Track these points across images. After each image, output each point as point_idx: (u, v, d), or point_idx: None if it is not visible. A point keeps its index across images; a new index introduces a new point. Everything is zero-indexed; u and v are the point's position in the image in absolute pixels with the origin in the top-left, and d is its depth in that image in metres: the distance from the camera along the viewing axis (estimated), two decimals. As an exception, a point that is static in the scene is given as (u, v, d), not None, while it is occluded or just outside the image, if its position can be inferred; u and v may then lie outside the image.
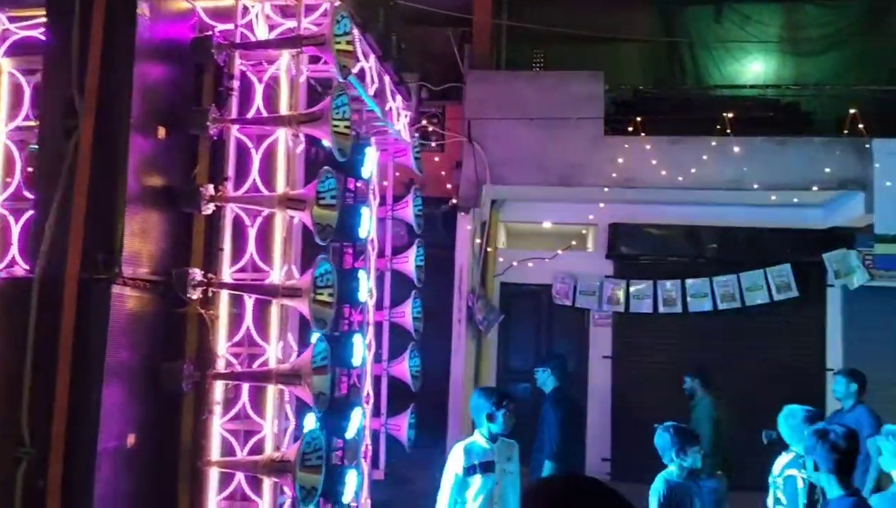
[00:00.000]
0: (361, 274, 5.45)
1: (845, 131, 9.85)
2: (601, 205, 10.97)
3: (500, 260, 11.09)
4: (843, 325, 10.68)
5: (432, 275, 10.60)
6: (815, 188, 9.75)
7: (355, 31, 4.68)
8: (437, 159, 10.64)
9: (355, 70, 4.73)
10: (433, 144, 10.65)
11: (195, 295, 3.98)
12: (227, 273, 4.09)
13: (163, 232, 4.06)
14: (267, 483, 3.93)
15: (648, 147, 10.24)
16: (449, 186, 10.51)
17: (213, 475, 3.99)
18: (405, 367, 6.18)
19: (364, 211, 5.51)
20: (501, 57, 11.64)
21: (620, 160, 10.20)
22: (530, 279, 11.12)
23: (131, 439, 3.71)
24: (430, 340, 10.42)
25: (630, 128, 10.54)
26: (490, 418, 5.17)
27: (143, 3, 3.88)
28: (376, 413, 6.20)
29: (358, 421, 5.39)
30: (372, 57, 5.12)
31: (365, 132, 5.80)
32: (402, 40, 5.74)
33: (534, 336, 11.23)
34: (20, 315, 3.72)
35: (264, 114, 4.23)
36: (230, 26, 4.19)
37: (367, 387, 5.91)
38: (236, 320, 4.14)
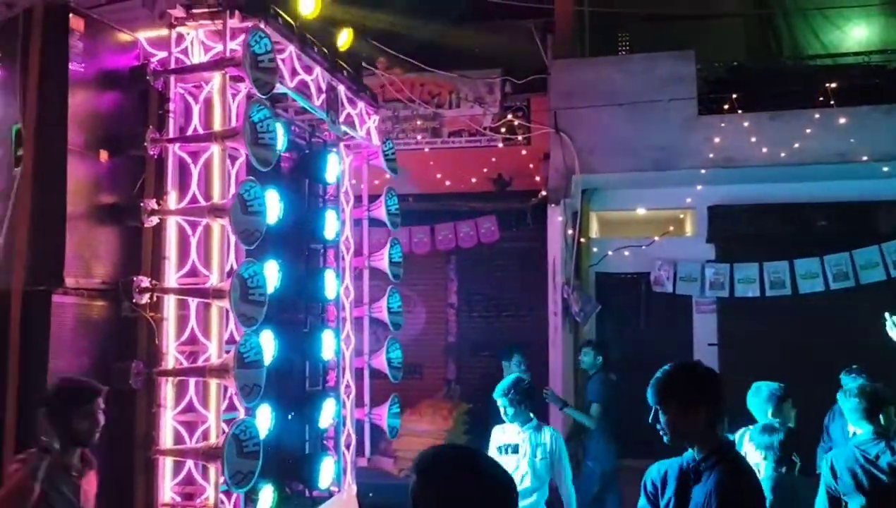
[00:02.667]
0: (328, 273, 5.76)
1: (958, 95, 9.15)
2: (699, 187, 10.64)
3: (595, 249, 10.95)
4: (970, 300, 9.90)
5: (525, 269, 10.65)
6: (929, 156, 9.12)
7: (292, 48, 4.94)
8: (524, 152, 10.59)
9: (293, 84, 5.03)
10: (519, 138, 10.59)
11: (142, 300, 4.32)
12: (172, 279, 4.43)
13: (114, 244, 4.43)
14: (212, 469, 4.23)
15: (746, 124, 9.89)
16: (537, 179, 10.43)
17: (167, 464, 4.33)
18: (383, 360, 6.38)
19: (329, 214, 5.86)
20: (585, 44, 11.44)
21: (717, 140, 9.89)
22: (627, 268, 10.91)
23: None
24: (527, 334, 10.47)
25: (725, 106, 10.15)
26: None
27: (78, 42, 4.21)
28: (360, 403, 6.47)
29: (331, 411, 5.68)
30: (318, 69, 5.37)
31: (332, 139, 6.04)
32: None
33: (633, 326, 10.99)
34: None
35: (201, 131, 4.57)
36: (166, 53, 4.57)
37: (347, 379, 6.22)
38: (184, 321, 4.46)
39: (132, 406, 4.36)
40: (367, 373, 6.49)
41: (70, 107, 4.20)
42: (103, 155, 4.36)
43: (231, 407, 4.50)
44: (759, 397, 5.17)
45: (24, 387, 3.99)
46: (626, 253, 10.82)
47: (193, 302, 4.43)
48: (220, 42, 4.44)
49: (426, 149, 10.86)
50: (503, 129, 10.66)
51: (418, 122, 10.89)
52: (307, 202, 5.85)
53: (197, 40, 4.56)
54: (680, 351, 10.49)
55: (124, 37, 4.58)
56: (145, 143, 4.37)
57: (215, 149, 4.38)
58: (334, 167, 5.80)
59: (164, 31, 4.53)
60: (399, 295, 6.45)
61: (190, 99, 4.60)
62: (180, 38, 4.54)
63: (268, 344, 4.75)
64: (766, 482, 4.29)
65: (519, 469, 5.36)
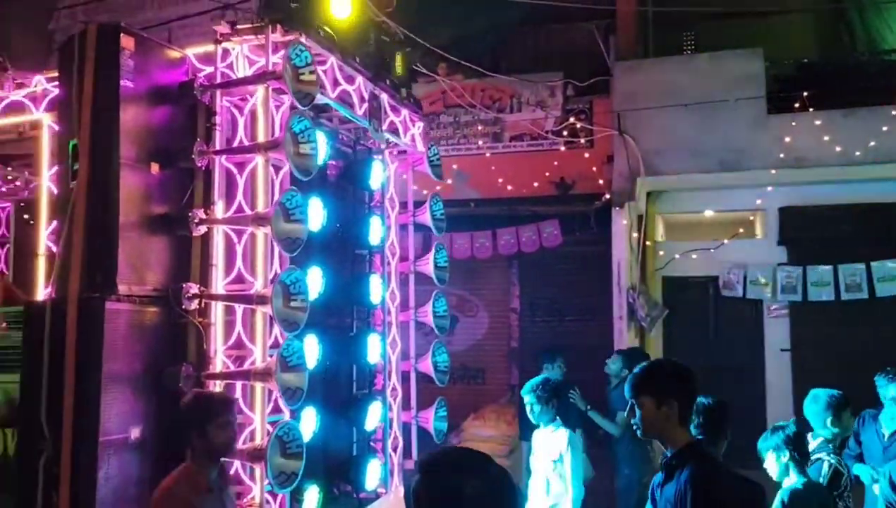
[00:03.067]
0: (373, 278, 5.85)
1: None
2: (769, 188, 10.34)
3: (661, 253, 10.73)
4: None
5: (589, 274, 10.53)
6: None
7: (333, 59, 5.04)
8: (586, 155, 10.49)
9: (335, 94, 5.12)
10: (582, 141, 10.50)
11: (192, 306, 4.50)
12: (220, 285, 4.58)
13: (164, 253, 4.63)
14: (258, 469, 4.35)
15: (819, 123, 9.61)
16: (601, 182, 10.32)
17: (215, 463, 4.52)
18: (429, 363, 6.41)
19: (374, 219, 5.95)
20: (649, 44, 11.24)
21: (788, 139, 9.63)
22: (695, 271, 10.63)
23: (136, 432, 4.20)
24: (591, 339, 10.36)
25: (796, 105, 9.84)
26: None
27: (129, 60, 4.40)
28: (407, 406, 6.53)
29: (378, 414, 5.74)
30: (360, 79, 5.46)
31: (377, 146, 6.10)
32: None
33: (702, 331, 10.72)
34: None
35: (246, 143, 4.70)
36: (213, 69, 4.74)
37: (393, 382, 6.30)
38: (231, 326, 4.64)
39: (182, 408, 4.55)
40: (413, 377, 6.58)
41: (122, 122, 4.41)
42: (154, 167, 4.58)
43: (276, 410, 4.64)
44: (818, 405, 4.87)
45: (79, 389, 4.19)
46: (694, 256, 10.56)
47: (239, 308, 4.59)
48: (264, 56, 4.58)
49: (488, 154, 10.89)
50: (565, 133, 10.59)
51: (479, 127, 10.92)
52: (353, 208, 5.96)
53: (242, 55, 4.74)
54: (751, 357, 10.27)
55: (173, 53, 4.80)
56: (193, 156, 4.57)
57: (259, 160, 4.54)
58: (379, 174, 5.91)
59: (210, 47, 4.71)
60: (445, 300, 6.51)
61: (235, 112, 4.78)
62: (226, 53, 4.71)
63: (311, 349, 4.87)
64: (796, 487, 4.12)
65: (538, 470, 5.44)
